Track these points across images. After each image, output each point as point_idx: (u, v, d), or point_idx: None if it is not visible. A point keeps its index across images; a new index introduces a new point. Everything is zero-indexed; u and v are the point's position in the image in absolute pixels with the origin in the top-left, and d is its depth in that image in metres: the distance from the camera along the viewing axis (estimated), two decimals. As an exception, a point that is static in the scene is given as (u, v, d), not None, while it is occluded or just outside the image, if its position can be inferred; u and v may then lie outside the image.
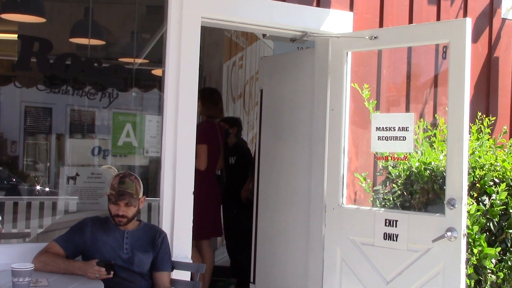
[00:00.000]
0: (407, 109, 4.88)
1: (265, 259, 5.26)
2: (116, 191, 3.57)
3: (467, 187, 3.81)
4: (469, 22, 3.84)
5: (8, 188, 5.40)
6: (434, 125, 4.69)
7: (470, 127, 4.55)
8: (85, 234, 3.59)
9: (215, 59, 9.62)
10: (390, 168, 4.42)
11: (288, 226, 5.02)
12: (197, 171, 5.38)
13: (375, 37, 4.24)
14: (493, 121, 4.73)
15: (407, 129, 4.09)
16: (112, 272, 3.37)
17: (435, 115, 4.88)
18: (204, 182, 5.46)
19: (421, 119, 4.72)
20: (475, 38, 5.16)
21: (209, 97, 5.81)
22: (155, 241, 3.69)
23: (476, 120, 4.69)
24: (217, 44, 9.51)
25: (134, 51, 4.84)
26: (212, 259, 5.85)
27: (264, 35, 5.39)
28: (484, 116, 4.69)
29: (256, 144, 5.43)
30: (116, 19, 5.82)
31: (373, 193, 4.53)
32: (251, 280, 5.38)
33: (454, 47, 3.87)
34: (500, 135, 4.77)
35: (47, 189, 4.90)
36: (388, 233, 4.11)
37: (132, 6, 5.70)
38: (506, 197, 4.19)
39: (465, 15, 5.10)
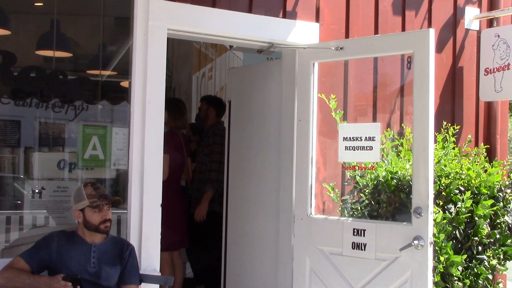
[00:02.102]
0: (374, 119, 4.92)
1: (235, 268, 5.24)
2: (97, 197, 3.56)
3: (433, 196, 3.85)
4: (432, 33, 3.89)
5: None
6: (401, 134, 4.74)
7: (436, 136, 4.61)
8: (51, 249, 3.55)
9: (184, 70, 9.63)
10: (357, 177, 4.45)
11: (258, 236, 5.01)
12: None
13: (340, 48, 4.28)
14: (458, 130, 4.78)
15: (374, 138, 4.12)
16: (78, 287, 3.33)
17: (402, 124, 4.93)
18: (168, 193, 5.43)
19: (388, 128, 4.76)
20: (440, 48, 5.23)
21: (176, 108, 5.80)
22: (122, 254, 3.67)
23: (442, 129, 4.75)
24: (186, 55, 9.52)
25: (100, 63, 4.80)
26: (182, 271, 5.82)
27: (231, 46, 5.40)
28: (449, 125, 4.74)
29: (226, 155, 5.41)
30: (83, 31, 5.78)
31: (341, 203, 4.55)
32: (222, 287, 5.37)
33: (418, 57, 3.92)
34: (465, 144, 4.83)
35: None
36: (356, 243, 4.13)
37: (100, 18, 5.67)
38: (472, 205, 4.25)
39: (429, 25, 5.17)
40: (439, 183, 4.24)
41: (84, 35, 5.71)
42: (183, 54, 9.63)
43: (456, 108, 5.30)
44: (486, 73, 5.21)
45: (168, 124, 5.70)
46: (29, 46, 5.32)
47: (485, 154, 4.85)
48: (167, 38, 4.15)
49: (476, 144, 5.22)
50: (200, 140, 6.34)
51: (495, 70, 5.14)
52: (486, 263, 4.35)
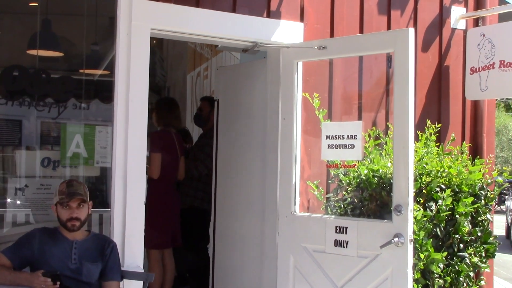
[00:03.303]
0: (359, 118, 4.96)
1: (223, 266, 5.29)
2: (66, 194, 3.60)
3: (413, 194, 3.88)
4: (412, 32, 3.93)
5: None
6: (387, 132, 4.77)
7: (417, 135, 4.65)
8: (33, 245, 3.59)
9: (178, 70, 9.68)
10: (341, 175, 4.48)
11: (244, 234, 5.06)
12: (153, 180, 5.42)
13: (323, 47, 4.31)
14: (439, 128, 4.81)
15: (356, 137, 4.15)
16: (58, 283, 3.38)
17: (387, 123, 4.96)
18: (159, 191, 5.48)
19: (374, 127, 4.79)
20: (426, 48, 5.27)
21: (162, 106, 5.84)
22: (104, 250, 3.71)
23: (426, 128, 4.78)
24: (181, 55, 9.56)
25: (84, 62, 4.85)
26: (172, 269, 5.85)
27: (216, 46, 5.44)
28: (430, 123, 4.77)
29: (214, 153, 5.46)
30: (76, 31, 5.82)
31: (325, 201, 4.59)
32: (210, 286, 5.40)
33: (398, 56, 3.95)
34: (448, 142, 4.86)
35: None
36: (339, 240, 4.16)
37: (93, 18, 5.71)
38: (452, 203, 4.28)
39: (415, 25, 5.21)
40: (420, 181, 4.27)
41: (77, 34, 5.76)
42: (178, 54, 9.68)
43: (442, 107, 5.33)
44: (471, 72, 5.24)
45: (158, 123, 5.74)
46: (21, 45, 5.38)
47: (467, 152, 4.87)
48: (159, 38, 4.19)
49: (463, 143, 5.25)
50: (198, 139, 6.39)
51: (480, 69, 5.17)
52: (468, 261, 4.38)
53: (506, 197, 16.67)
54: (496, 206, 22.14)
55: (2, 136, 4.68)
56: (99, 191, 4.91)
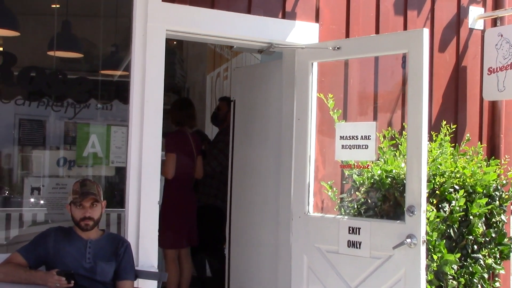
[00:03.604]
0: (375, 118, 4.95)
1: (238, 267, 5.32)
2: (79, 193, 3.65)
3: (426, 194, 3.86)
4: (426, 33, 3.91)
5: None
6: (402, 133, 4.76)
7: (431, 136, 4.64)
8: (47, 244, 3.65)
9: (198, 71, 9.71)
10: (354, 176, 4.48)
11: (259, 234, 5.08)
12: (168, 180, 5.46)
13: (338, 48, 4.32)
14: (454, 129, 4.79)
15: (369, 137, 4.15)
16: (72, 282, 3.43)
17: (403, 123, 4.94)
18: (175, 191, 5.52)
19: (389, 127, 4.79)
20: (443, 48, 5.24)
21: (175, 105, 5.89)
22: (118, 250, 3.75)
23: (441, 129, 4.75)
24: (201, 55, 9.60)
25: (103, 63, 4.90)
26: (189, 268, 5.89)
27: (231, 47, 5.46)
28: (445, 124, 4.75)
29: (230, 153, 5.49)
30: (95, 32, 5.89)
31: (339, 201, 4.59)
32: (226, 287, 5.43)
33: (412, 57, 3.95)
34: (463, 143, 4.84)
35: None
36: (352, 241, 4.17)
37: (112, 19, 5.78)
38: (466, 204, 4.26)
39: (432, 25, 5.18)
40: (433, 181, 4.25)
41: (97, 35, 5.83)
42: (197, 54, 9.71)
43: (459, 107, 5.30)
44: (489, 73, 5.21)
45: (172, 122, 5.79)
46: (42, 47, 5.46)
47: (482, 153, 4.84)
48: (178, 39, 4.23)
49: (480, 143, 5.22)
50: (214, 137, 6.44)
51: (498, 69, 5.14)
52: (482, 262, 4.35)
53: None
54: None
55: (24, 136, 4.76)
56: (118, 190, 4.96)
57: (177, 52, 9.93)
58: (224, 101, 6.43)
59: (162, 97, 4.19)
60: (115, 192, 5.09)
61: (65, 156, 4.56)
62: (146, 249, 4.10)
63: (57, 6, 5.65)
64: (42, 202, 4.50)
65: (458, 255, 4.20)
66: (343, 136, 4.28)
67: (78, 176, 4.58)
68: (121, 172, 4.64)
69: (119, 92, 5.22)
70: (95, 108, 4.81)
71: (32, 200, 4.54)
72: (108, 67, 5.54)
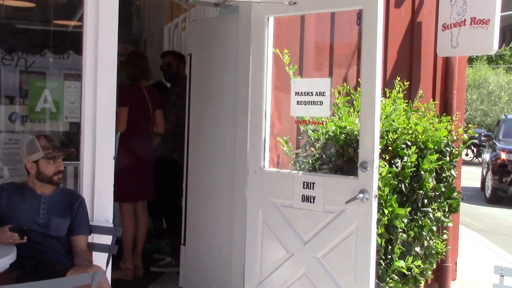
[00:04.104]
0: (330, 74, 4.98)
1: (195, 221, 5.36)
2: (51, 148, 3.63)
3: (379, 151, 3.93)
4: (380, -10, 3.92)
5: None
6: (357, 89, 4.80)
7: (385, 92, 4.69)
8: (0, 200, 3.63)
9: (155, 21, 9.55)
10: (309, 132, 4.53)
11: (215, 190, 5.12)
12: (123, 134, 5.43)
13: (294, 3, 4.29)
14: (407, 85, 4.85)
15: (324, 94, 4.17)
16: (25, 237, 3.42)
17: (358, 79, 4.97)
18: (129, 144, 5.49)
19: (344, 83, 4.82)
20: (398, 3, 5.27)
21: (127, 59, 5.80)
22: (72, 205, 3.76)
23: (395, 85, 4.81)
24: (158, 6, 9.43)
25: (52, 12, 4.77)
26: (145, 221, 5.92)
27: (187, 0, 5.38)
28: (399, 80, 4.80)
29: (187, 108, 5.46)
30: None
31: (294, 157, 4.64)
32: (182, 242, 5.48)
33: (367, 13, 3.95)
34: (416, 99, 4.91)
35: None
36: (306, 195, 4.23)
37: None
38: (417, 160, 4.35)
39: (388, -20, 5.19)
40: (386, 138, 4.33)
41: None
42: (155, 5, 9.54)
43: (413, 63, 5.36)
44: (443, 29, 5.27)
45: (126, 77, 5.71)
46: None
47: (434, 110, 4.92)
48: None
49: (434, 100, 5.30)
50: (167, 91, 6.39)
51: (452, 25, 5.19)
52: (431, 216, 4.48)
53: (483, 149, 16.89)
54: (474, 158, 22.34)
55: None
56: (73, 144, 4.92)
57: (134, 2, 9.73)
58: (171, 54, 6.40)
59: (116, 50, 4.13)
60: (71, 145, 5.04)
61: (17, 112, 4.48)
62: (102, 203, 4.10)
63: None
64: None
65: (409, 209, 4.31)
66: (299, 92, 4.30)
67: (31, 131, 4.52)
68: (75, 127, 4.59)
69: (74, 42, 5.12)
70: (49, 59, 4.72)
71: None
72: (62, 17, 5.42)
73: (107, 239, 3.95)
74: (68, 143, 4.72)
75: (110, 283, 3.73)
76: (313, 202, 4.19)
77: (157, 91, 5.97)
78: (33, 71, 4.51)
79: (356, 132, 4.22)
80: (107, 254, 3.84)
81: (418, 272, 4.46)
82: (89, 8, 4.05)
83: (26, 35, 4.36)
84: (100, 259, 3.87)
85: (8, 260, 3.24)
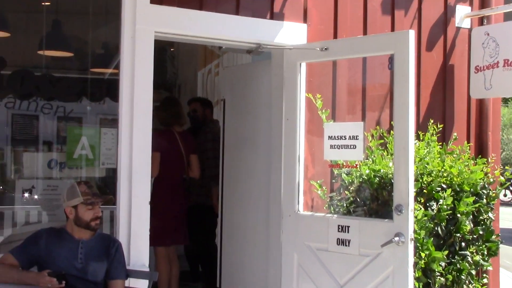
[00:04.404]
0: (363, 117, 5.00)
1: (230, 265, 5.37)
2: (91, 194, 3.70)
3: (414, 193, 3.92)
4: (412, 34, 3.96)
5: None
6: (390, 132, 4.81)
7: (418, 135, 4.69)
8: (39, 245, 3.69)
9: (189, 67, 9.72)
10: (343, 175, 4.53)
11: (250, 234, 5.13)
12: (156, 180, 5.49)
13: (325, 49, 4.36)
14: (441, 128, 4.85)
15: (357, 137, 4.20)
16: (64, 282, 3.47)
17: (391, 122, 4.99)
18: (162, 190, 5.54)
19: (377, 126, 4.84)
20: (430, 47, 5.29)
21: (159, 105, 5.89)
22: (109, 250, 3.80)
23: (429, 127, 4.81)
24: (192, 52, 9.61)
25: (90, 61, 4.92)
26: (177, 265, 5.92)
27: (220, 47, 5.50)
28: (432, 123, 4.80)
29: (221, 151, 5.52)
30: (86, 30, 5.89)
31: (328, 200, 4.64)
32: (218, 285, 5.49)
33: (398, 58, 4.00)
34: (450, 142, 4.89)
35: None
36: (341, 239, 4.22)
37: (102, 16, 5.79)
38: (453, 202, 4.32)
39: (419, 24, 5.23)
40: (421, 180, 4.31)
41: (87, 34, 5.84)
42: (189, 51, 9.71)
43: (447, 105, 5.35)
44: (476, 71, 5.27)
45: (160, 124, 5.79)
46: (32, 46, 5.47)
47: (469, 152, 4.90)
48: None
49: (468, 142, 5.28)
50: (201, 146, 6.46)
51: (484, 67, 5.20)
52: (469, 259, 4.42)
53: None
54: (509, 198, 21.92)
55: (16, 132, 4.78)
56: (109, 190, 4.99)
57: (168, 49, 9.94)
58: (197, 101, 6.51)
59: (151, 97, 4.22)
60: (108, 192, 5.11)
61: (56, 158, 4.59)
62: (137, 248, 4.14)
63: (47, 3, 5.65)
64: (36, 198, 4.53)
65: (446, 252, 4.26)
66: (332, 136, 4.33)
67: (70, 177, 4.62)
68: (110, 172, 4.67)
69: (110, 90, 5.24)
70: (86, 106, 4.84)
71: (24, 201, 4.56)
72: (98, 65, 5.56)
73: (143, 284, 3.98)
74: (105, 189, 4.79)
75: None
76: (349, 246, 4.18)
77: (192, 136, 6.05)
78: (71, 117, 4.62)
79: (390, 175, 4.21)
80: (143, 299, 3.86)
81: (459, 318, 4.39)
82: (125, 56, 4.17)
83: (64, 83, 4.48)
84: (137, 304, 3.90)
85: (47, 305, 3.29)
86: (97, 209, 3.74)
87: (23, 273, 3.56)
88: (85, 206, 3.71)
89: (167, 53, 9.87)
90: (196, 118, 6.44)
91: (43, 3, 5.68)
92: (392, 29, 5.11)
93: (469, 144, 5.04)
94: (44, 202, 4.52)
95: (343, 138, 4.26)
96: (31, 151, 4.73)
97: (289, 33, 4.69)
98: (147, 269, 4.10)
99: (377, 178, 4.30)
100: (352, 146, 4.21)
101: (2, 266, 3.58)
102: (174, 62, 10.23)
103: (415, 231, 4.01)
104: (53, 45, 5.24)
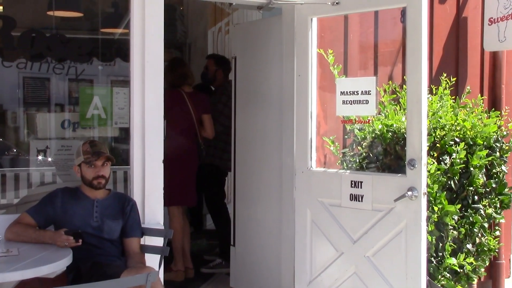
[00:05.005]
0: (375, 72, 4.97)
1: (244, 222, 5.41)
2: (91, 153, 3.72)
3: (427, 148, 3.91)
4: (425, -14, 3.90)
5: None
6: (403, 86, 4.78)
7: (431, 89, 4.66)
8: (55, 205, 3.74)
9: (199, 26, 9.66)
10: (356, 131, 4.53)
11: (263, 191, 5.15)
12: (166, 141, 5.49)
13: (337, 3, 4.31)
14: (454, 82, 4.80)
15: (370, 92, 4.17)
16: (80, 240, 3.52)
17: (404, 77, 4.95)
18: (173, 150, 5.52)
19: (390, 81, 4.80)
20: (443, -1, 5.22)
21: (167, 66, 5.82)
22: (124, 208, 3.84)
23: (442, 81, 4.77)
24: (201, 10, 9.54)
25: (100, 21, 4.89)
26: (187, 224, 5.97)
27: (230, 4, 5.43)
28: (445, 76, 4.76)
29: (233, 110, 5.51)
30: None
31: (341, 156, 4.64)
32: (232, 243, 5.54)
33: (411, 11, 3.94)
34: (463, 95, 4.86)
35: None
36: (354, 194, 4.23)
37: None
38: (466, 156, 4.30)
39: (432, -24, 5.15)
40: (434, 135, 4.30)
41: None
42: (198, 9, 9.65)
43: (460, 59, 5.30)
44: (490, 23, 5.19)
45: (168, 86, 5.75)
46: (41, 7, 5.44)
47: (483, 105, 4.86)
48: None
49: (482, 95, 5.24)
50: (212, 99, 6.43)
51: (499, 19, 5.11)
52: (482, 212, 4.43)
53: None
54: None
55: (28, 95, 4.78)
56: (122, 149, 5.01)
57: (178, 7, 9.87)
58: (211, 58, 6.43)
59: (162, 55, 4.19)
60: (121, 150, 5.14)
61: (68, 118, 4.61)
62: (152, 206, 4.17)
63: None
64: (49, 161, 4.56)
65: (459, 206, 4.27)
66: (344, 92, 4.31)
67: (83, 137, 4.64)
68: (124, 133, 4.69)
69: (121, 50, 5.22)
70: (97, 67, 4.83)
71: (39, 161, 4.59)
72: (108, 25, 5.52)
73: (158, 241, 4.03)
74: (117, 149, 4.81)
75: (163, 284, 3.80)
76: (362, 201, 4.19)
77: (204, 96, 5.99)
78: (82, 78, 4.62)
79: (403, 130, 4.20)
80: (159, 256, 3.90)
81: (471, 270, 4.41)
82: (135, 16, 4.13)
83: (75, 43, 4.46)
84: (152, 261, 3.93)
85: (65, 263, 3.33)
86: (99, 168, 3.75)
87: (40, 232, 3.61)
88: (86, 165, 3.74)
89: (176, 12, 9.80)
90: (206, 75, 6.38)
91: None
92: (405, -18, 5.02)
93: (482, 98, 5.00)
94: (58, 162, 4.56)
95: (355, 93, 4.24)
96: (44, 112, 4.74)
97: (300, -12, 4.63)
98: (162, 227, 4.14)
99: (390, 133, 4.28)
100: (364, 101, 4.19)
101: (19, 225, 3.65)
102: (184, 21, 10.16)
103: (428, 185, 4.01)
104: (62, 5, 5.20)
